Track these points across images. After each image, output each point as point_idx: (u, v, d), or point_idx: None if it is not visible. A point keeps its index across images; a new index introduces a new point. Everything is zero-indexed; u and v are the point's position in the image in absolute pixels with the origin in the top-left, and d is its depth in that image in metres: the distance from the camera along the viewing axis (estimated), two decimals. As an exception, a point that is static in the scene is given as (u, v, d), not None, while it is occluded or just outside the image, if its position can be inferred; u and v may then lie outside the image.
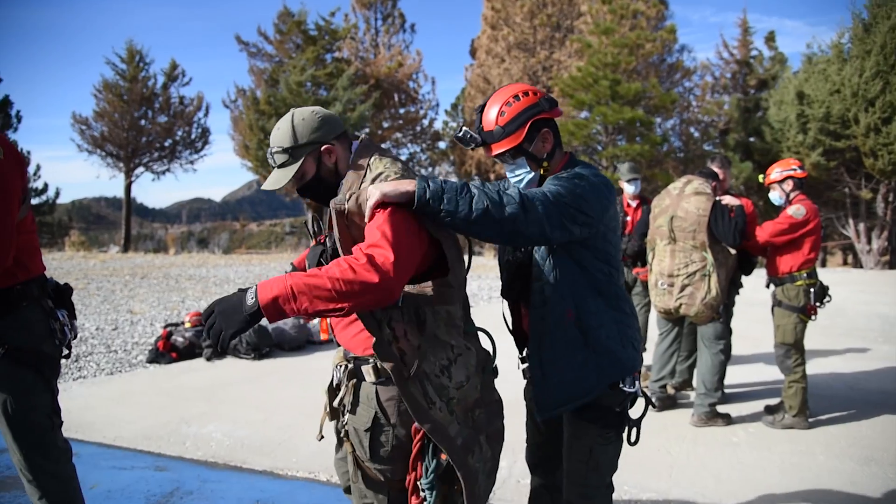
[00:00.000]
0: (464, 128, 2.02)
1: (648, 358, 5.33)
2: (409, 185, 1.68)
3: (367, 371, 1.81)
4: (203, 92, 32.28)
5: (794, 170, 4.30)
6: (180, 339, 6.54)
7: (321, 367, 6.09)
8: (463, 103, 32.68)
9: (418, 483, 1.80)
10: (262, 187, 1.89)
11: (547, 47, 27.65)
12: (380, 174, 1.79)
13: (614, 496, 2.16)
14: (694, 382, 4.88)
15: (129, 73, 29.16)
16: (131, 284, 12.52)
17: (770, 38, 29.48)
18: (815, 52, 21.27)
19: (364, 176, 1.81)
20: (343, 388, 1.89)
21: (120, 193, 31.51)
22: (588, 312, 1.97)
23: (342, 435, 1.94)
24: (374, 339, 1.69)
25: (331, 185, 1.89)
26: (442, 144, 31.85)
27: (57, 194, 28.62)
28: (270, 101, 24.53)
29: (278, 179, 1.86)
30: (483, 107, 2.03)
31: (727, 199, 4.34)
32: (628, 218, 5.36)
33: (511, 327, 2.21)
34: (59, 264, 16.21)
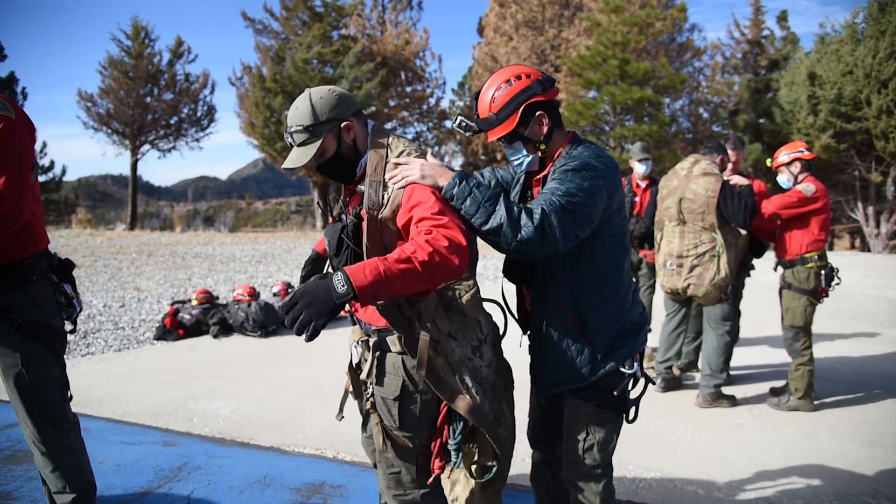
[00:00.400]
0: (459, 116, 2.04)
1: (654, 339, 5.33)
2: (444, 181, 1.79)
3: (393, 342, 1.85)
4: (209, 69, 32.07)
5: (802, 151, 4.25)
6: (187, 317, 6.58)
7: (327, 344, 6.10)
8: (470, 82, 32.41)
9: (444, 445, 1.88)
10: (283, 166, 1.90)
11: (555, 25, 27.30)
12: (402, 152, 1.85)
13: (619, 475, 2.17)
14: (699, 364, 4.89)
15: (134, 50, 29.04)
16: (138, 262, 12.58)
17: (782, 18, 29.00)
18: (828, 33, 20.95)
19: (387, 155, 1.85)
20: (367, 362, 1.92)
21: (126, 171, 31.63)
22: (587, 305, 1.96)
23: (368, 408, 1.96)
24: (405, 338, 1.77)
25: (350, 161, 1.91)
26: (448, 123, 31.62)
27: (63, 172, 28.76)
28: (276, 78, 24.38)
29: (299, 158, 1.86)
30: (479, 93, 2.03)
31: (735, 179, 4.30)
32: (637, 198, 5.31)
33: (509, 306, 2.21)
34: (66, 241, 16.29)
